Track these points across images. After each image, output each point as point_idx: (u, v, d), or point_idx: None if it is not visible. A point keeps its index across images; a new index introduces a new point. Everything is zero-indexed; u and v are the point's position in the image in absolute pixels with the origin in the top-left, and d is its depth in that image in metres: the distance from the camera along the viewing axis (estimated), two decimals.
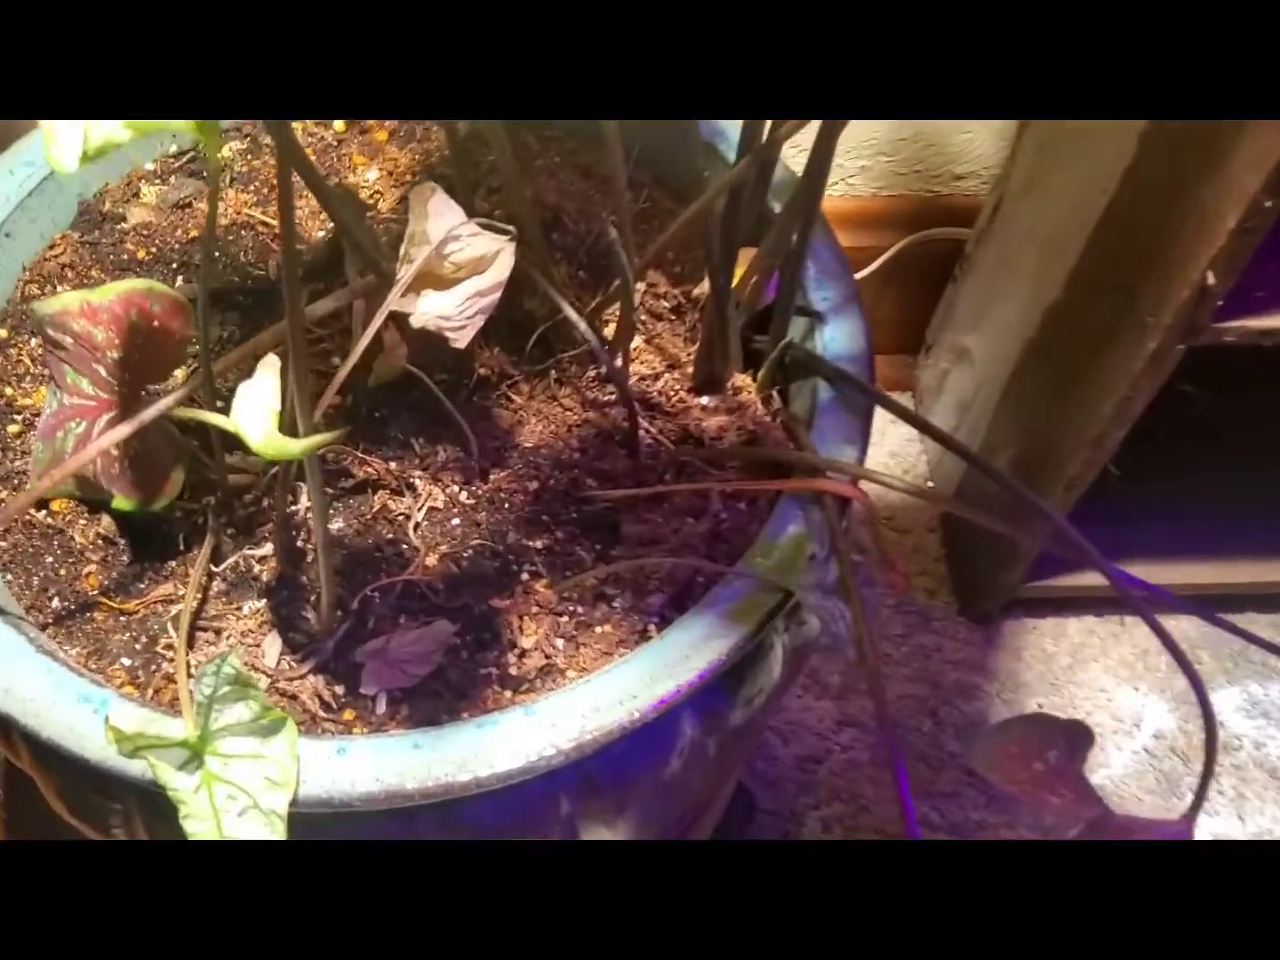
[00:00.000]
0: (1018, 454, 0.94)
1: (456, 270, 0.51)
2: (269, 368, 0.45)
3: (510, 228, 0.52)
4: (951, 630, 1.05)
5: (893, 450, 1.17)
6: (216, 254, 0.65)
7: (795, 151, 0.97)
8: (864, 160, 1.06)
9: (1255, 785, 0.96)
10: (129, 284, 0.54)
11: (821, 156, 0.52)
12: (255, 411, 0.43)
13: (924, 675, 1.02)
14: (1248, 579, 1.02)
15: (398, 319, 0.54)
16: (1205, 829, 0.94)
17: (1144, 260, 0.74)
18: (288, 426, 0.45)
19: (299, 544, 0.57)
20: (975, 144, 1.04)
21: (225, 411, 0.45)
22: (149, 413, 0.48)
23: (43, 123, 0.39)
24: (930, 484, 1.15)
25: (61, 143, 0.38)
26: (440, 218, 0.51)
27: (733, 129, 0.70)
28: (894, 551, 0.97)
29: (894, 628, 1.04)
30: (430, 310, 0.51)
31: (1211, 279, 0.67)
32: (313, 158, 0.70)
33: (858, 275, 1.07)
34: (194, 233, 0.66)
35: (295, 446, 0.41)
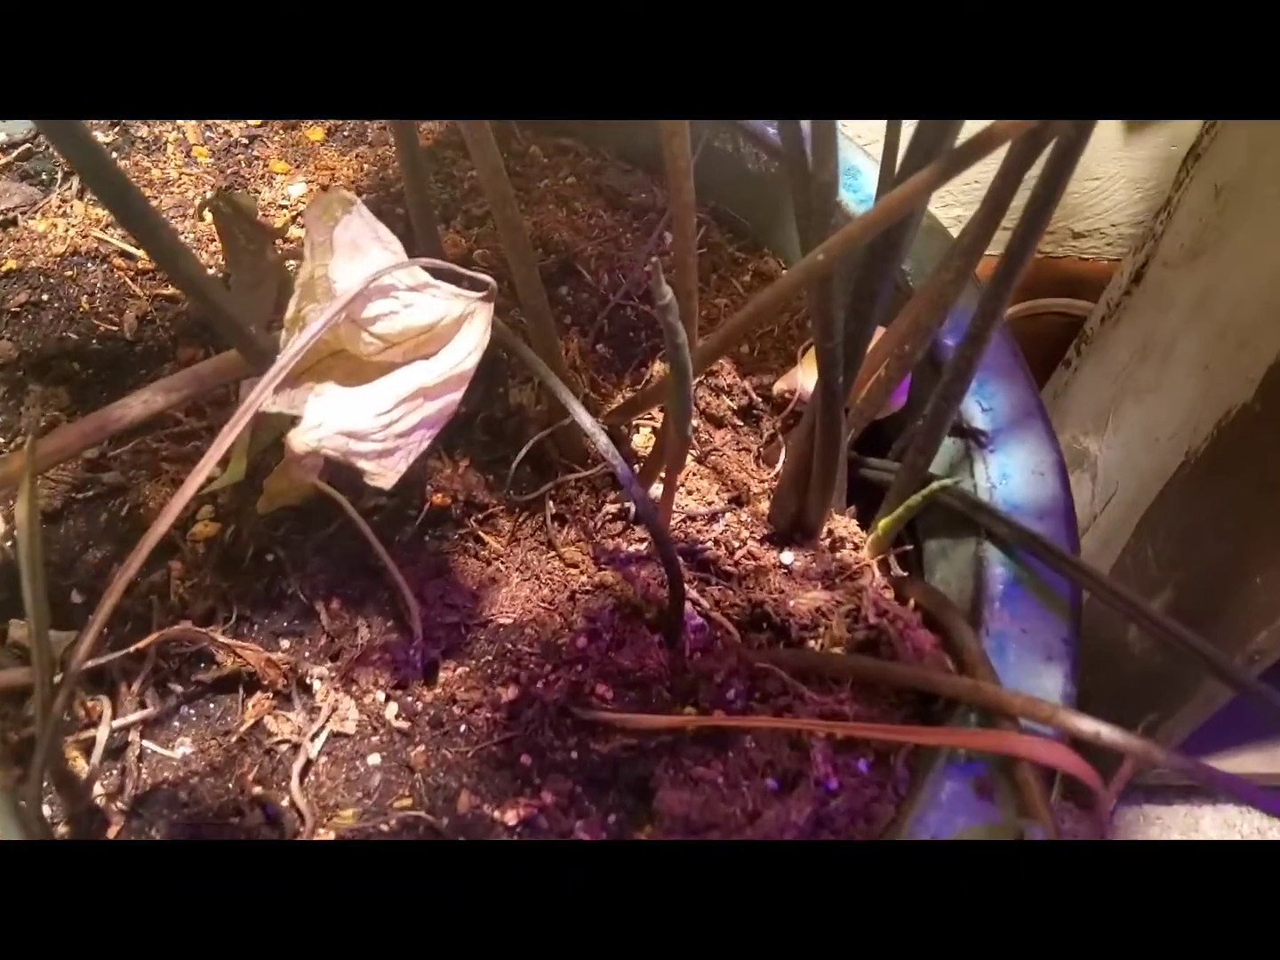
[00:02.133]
0: (1171, 603, 0.70)
1: (384, 348, 0.28)
2: None
3: (486, 278, 0.29)
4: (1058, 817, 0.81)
5: None
6: (47, 297, 0.42)
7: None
8: (958, 209, 0.84)
9: None
10: None
11: (1049, 187, 0.29)
12: None
13: None
14: None
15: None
16: None
17: None
18: None
19: (101, 799, 0.33)
20: (1104, 194, 0.82)
21: None
22: None
23: None
24: None
25: None
26: (360, 253, 0.28)
27: (844, 147, 0.48)
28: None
29: None
30: (331, 420, 0.28)
31: None
32: (208, 159, 0.47)
33: None
34: (13, 264, 0.43)
35: None
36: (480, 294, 0.29)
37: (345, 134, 0.49)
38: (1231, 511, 0.66)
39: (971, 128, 0.28)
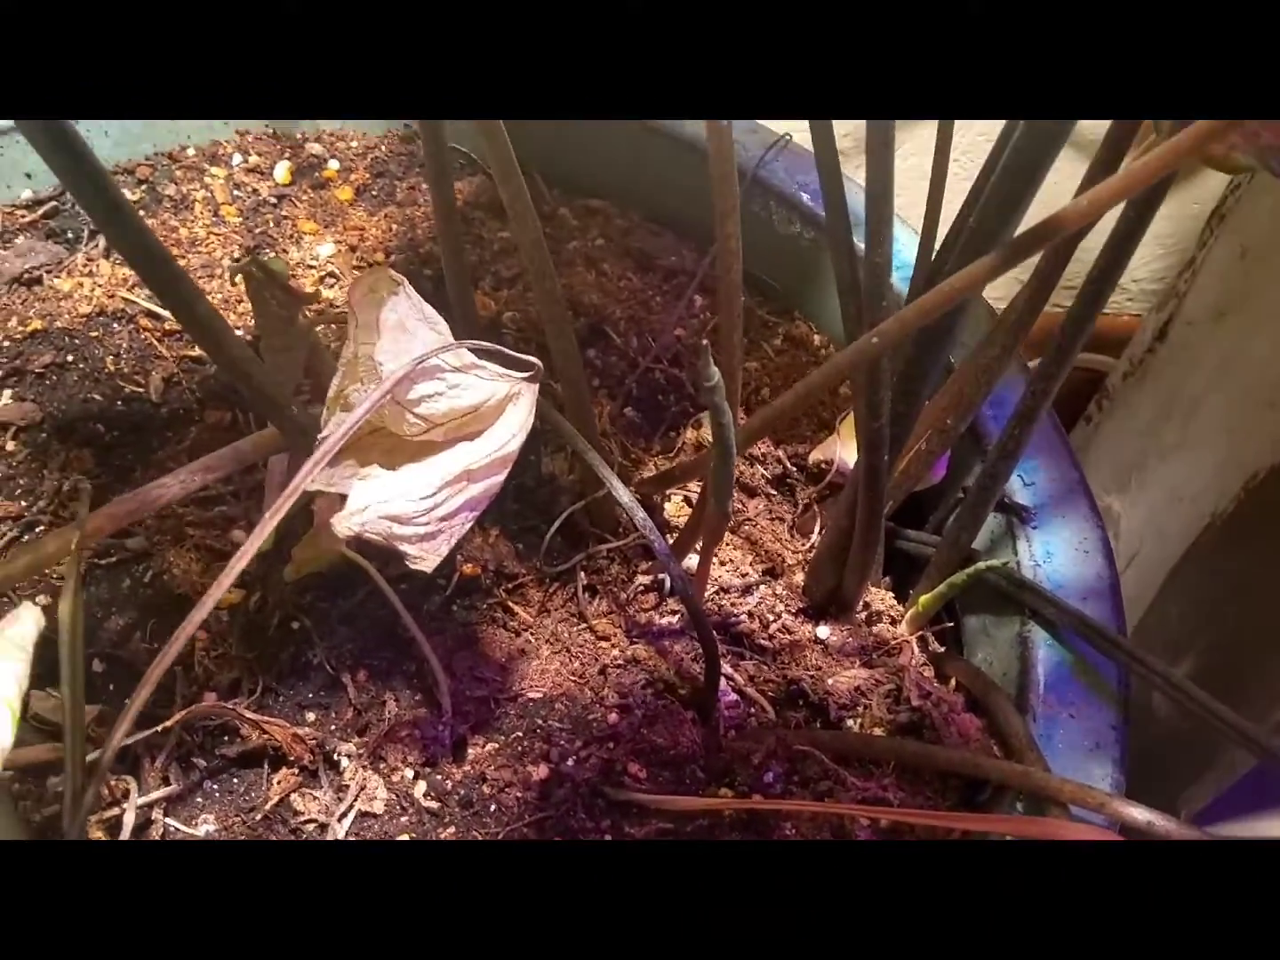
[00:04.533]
0: (1195, 669, 0.69)
1: (427, 429, 0.28)
2: (21, 633, 0.22)
3: (533, 359, 0.28)
4: None
5: None
6: (71, 358, 0.42)
7: None
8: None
9: None
10: None
11: (1113, 255, 0.29)
12: None
13: None
14: None
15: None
16: None
17: None
18: None
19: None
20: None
21: None
22: None
23: None
24: None
25: None
26: (406, 334, 0.28)
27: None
28: None
29: None
30: (375, 504, 0.27)
31: None
32: (236, 218, 0.47)
33: None
34: (38, 324, 0.42)
35: None
36: (526, 374, 0.29)
37: (374, 194, 0.49)
38: (1257, 577, 0.65)
39: (1032, 218, 0.28)
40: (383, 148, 0.52)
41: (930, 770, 0.34)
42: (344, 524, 0.26)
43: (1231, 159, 0.29)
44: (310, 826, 0.34)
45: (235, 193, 0.48)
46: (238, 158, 0.50)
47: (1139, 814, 0.30)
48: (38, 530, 0.39)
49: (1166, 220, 0.80)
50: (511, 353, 0.28)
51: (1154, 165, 0.24)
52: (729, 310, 0.31)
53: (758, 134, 0.50)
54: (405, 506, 0.27)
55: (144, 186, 0.48)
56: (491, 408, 0.28)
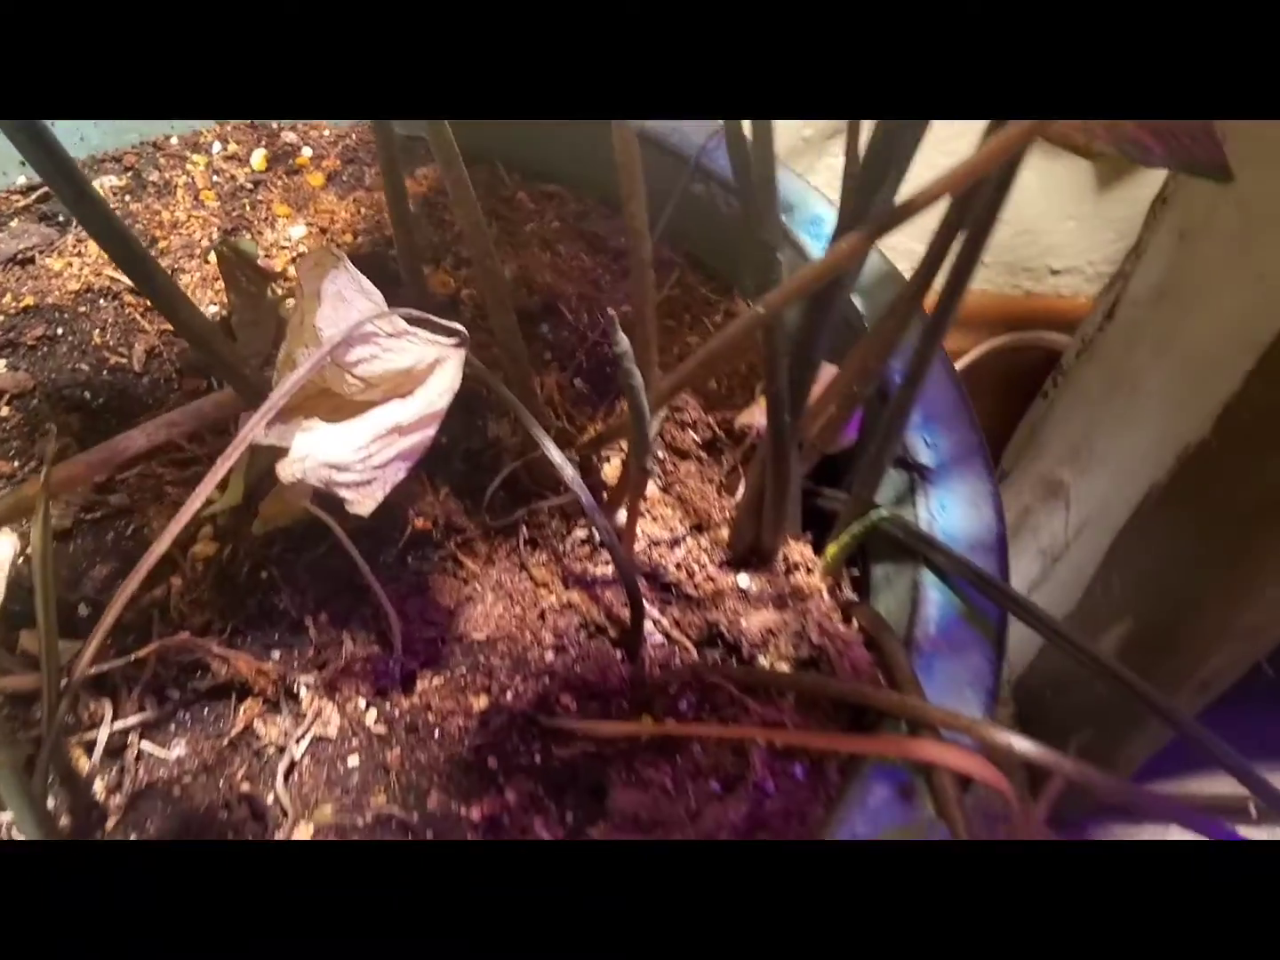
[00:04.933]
0: (1135, 631, 0.73)
1: (365, 389, 0.32)
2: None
3: (458, 326, 0.32)
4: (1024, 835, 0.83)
5: None
6: (61, 331, 0.46)
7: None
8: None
9: None
10: None
11: (977, 232, 0.32)
12: None
13: None
14: None
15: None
16: None
17: None
18: None
19: (100, 795, 0.36)
20: (1082, 234, 0.85)
21: None
22: None
23: None
24: None
25: None
26: (344, 304, 0.31)
27: (802, 192, 0.51)
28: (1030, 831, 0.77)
29: None
30: (315, 453, 0.31)
31: None
32: (214, 202, 0.51)
33: None
34: (30, 300, 0.46)
35: None
36: (452, 340, 0.32)
37: (344, 179, 0.53)
38: (1188, 543, 0.68)
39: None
40: (353, 136, 0.55)
41: (824, 699, 0.38)
42: (287, 469, 0.30)
43: (1090, 146, 0.33)
44: (271, 750, 0.38)
45: (214, 178, 0.52)
46: (217, 146, 0.53)
47: (1000, 737, 0.34)
48: None
49: (1119, 204, 0.83)
50: (439, 320, 0.32)
51: (991, 152, 0.27)
52: (640, 286, 0.35)
53: (702, 122, 0.53)
54: (342, 455, 0.31)
55: (130, 173, 0.52)
56: (422, 369, 0.32)
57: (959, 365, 0.90)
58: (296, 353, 0.32)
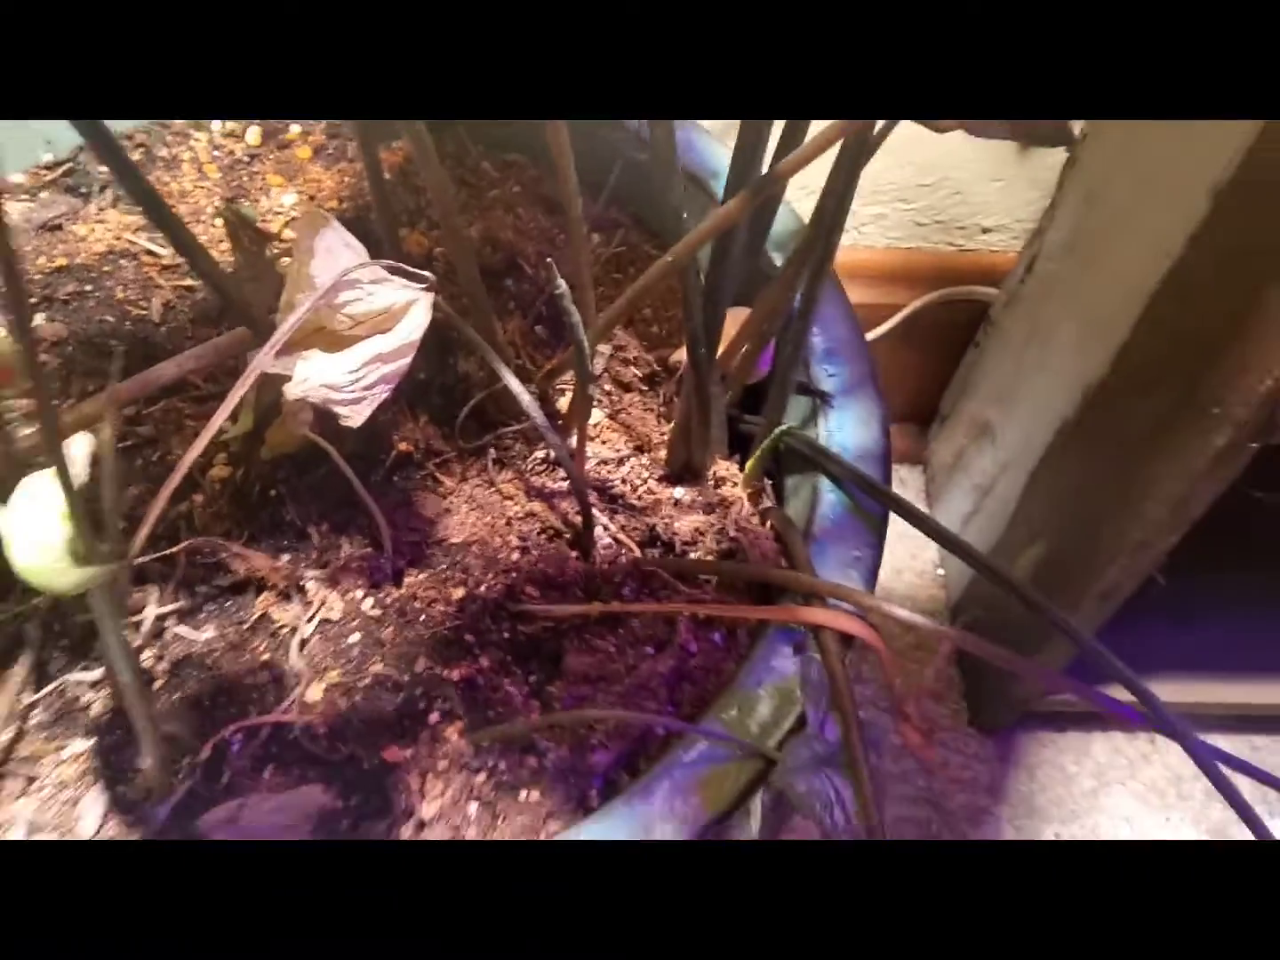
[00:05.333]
0: (1047, 552, 0.81)
1: (353, 326, 0.39)
2: (68, 453, 0.33)
3: (426, 274, 0.40)
4: (960, 743, 0.92)
5: (899, 531, 1.05)
6: (89, 288, 0.53)
7: (803, 194, 0.86)
8: (878, 207, 0.94)
9: None
10: None
11: (838, 197, 0.40)
12: (33, 520, 0.30)
13: (927, 796, 0.89)
14: None
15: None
16: None
17: (1211, 343, 0.62)
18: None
19: (149, 663, 0.44)
20: (1008, 193, 0.92)
21: None
22: None
23: None
24: (941, 571, 1.03)
25: None
26: (333, 256, 0.39)
27: (724, 159, 0.58)
28: (914, 692, 0.85)
29: (893, 737, 0.91)
30: (314, 377, 0.39)
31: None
32: (216, 174, 0.58)
33: (867, 336, 0.95)
34: (62, 261, 0.54)
35: (69, 578, 0.29)
36: (423, 285, 0.40)
37: (330, 153, 0.60)
38: (1090, 472, 0.77)
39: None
40: None
41: (739, 580, 0.46)
42: (292, 390, 0.38)
43: (940, 125, 0.40)
44: (285, 630, 0.46)
45: (215, 153, 0.59)
46: (216, 124, 0.61)
47: (870, 602, 0.42)
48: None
49: (1041, 166, 0.91)
50: (410, 269, 0.39)
51: (830, 134, 0.35)
52: (576, 238, 0.43)
53: None
54: (336, 378, 0.39)
55: (141, 150, 0.59)
56: (399, 309, 0.40)
57: (899, 317, 0.97)
58: (295, 298, 0.39)
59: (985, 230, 0.96)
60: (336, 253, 0.38)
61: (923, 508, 1.06)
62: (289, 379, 0.39)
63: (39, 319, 0.52)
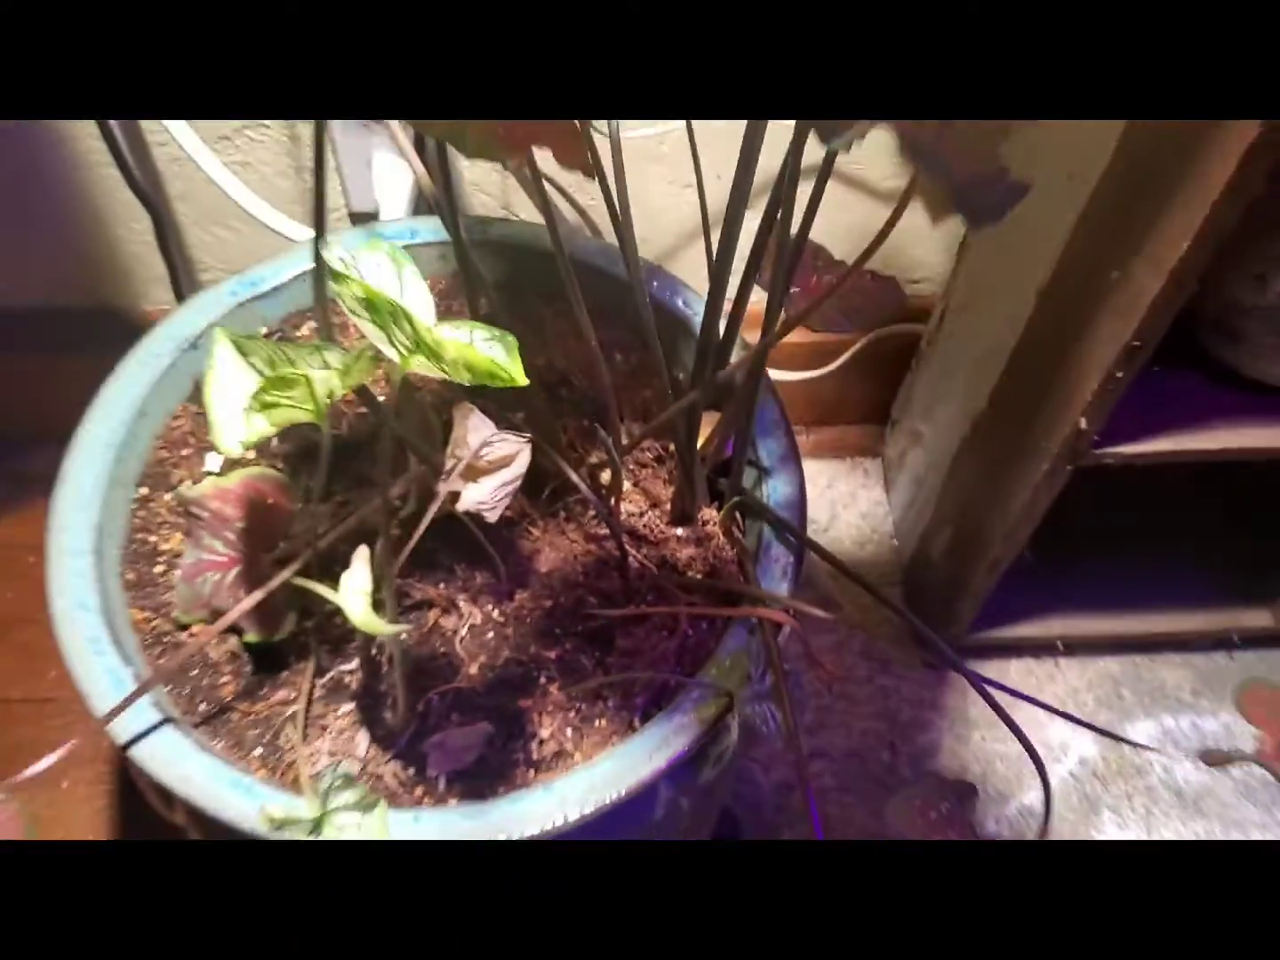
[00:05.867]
0: (954, 532, 1.12)
1: (490, 466, 0.70)
2: (361, 560, 0.64)
3: (527, 435, 0.71)
4: (910, 674, 1.24)
5: (863, 511, 1.35)
6: None
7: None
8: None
9: (1162, 804, 1.14)
10: (247, 470, 0.74)
11: (762, 352, 0.70)
12: (355, 594, 0.62)
13: (884, 713, 1.21)
14: (1163, 628, 1.20)
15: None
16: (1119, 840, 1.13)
17: (1039, 394, 0.91)
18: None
19: (376, 658, 0.76)
20: (928, 256, 1.21)
21: (327, 567, 0.64)
22: (275, 582, 0.67)
23: (212, 418, 0.58)
24: (895, 541, 1.33)
25: (227, 435, 0.57)
26: (476, 431, 0.70)
27: (700, 305, 0.88)
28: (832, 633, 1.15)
29: (860, 671, 1.23)
30: (471, 498, 0.70)
31: (1084, 423, 0.85)
32: None
33: (831, 366, 1.26)
34: None
35: (384, 628, 0.60)
36: (525, 439, 0.71)
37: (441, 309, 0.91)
38: (979, 477, 1.07)
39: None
40: (443, 282, 0.93)
41: (716, 592, 0.77)
42: (462, 504, 0.69)
43: (937, 216, 0.70)
44: (449, 630, 0.78)
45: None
46: None
47: (789, 601, 0.73)
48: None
49: (956, 234, 1.19)
50: (518, 433, 0.70)
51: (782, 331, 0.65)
52: (597, 368, 0.73)
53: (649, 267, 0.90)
54: (482, 496, 0.70)
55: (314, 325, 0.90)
56: (512, 454, 0.71)
57: (856, 348, 1.27)
58: (458, 452, 0.70)
59: (914, 281, 1.25)
60: (479, 427, 0.69)
61: (882, 493, 1.37)
62: (457, 494, 0.71)
63: (274, 442, 0.84)
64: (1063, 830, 1.13)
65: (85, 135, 0.99)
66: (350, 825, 0.63)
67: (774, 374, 1.18)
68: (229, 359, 0.59)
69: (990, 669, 1.25)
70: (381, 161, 1.03)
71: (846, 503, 1.34)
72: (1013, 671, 1.25)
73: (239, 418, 0.58)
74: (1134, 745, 1.17)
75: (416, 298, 0.53)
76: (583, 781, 0.67)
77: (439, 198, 0.73)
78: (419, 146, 0.93)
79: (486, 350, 0.49)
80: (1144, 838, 1.13)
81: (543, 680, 0.75)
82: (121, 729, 0.67)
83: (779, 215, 0.63)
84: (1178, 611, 1.19)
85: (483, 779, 0.70)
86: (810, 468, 1.35)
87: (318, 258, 0.75)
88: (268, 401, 0.56)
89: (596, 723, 0.73)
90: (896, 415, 1.33)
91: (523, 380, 0.48)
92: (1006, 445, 0.99)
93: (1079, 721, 0.75)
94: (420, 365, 0.51)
